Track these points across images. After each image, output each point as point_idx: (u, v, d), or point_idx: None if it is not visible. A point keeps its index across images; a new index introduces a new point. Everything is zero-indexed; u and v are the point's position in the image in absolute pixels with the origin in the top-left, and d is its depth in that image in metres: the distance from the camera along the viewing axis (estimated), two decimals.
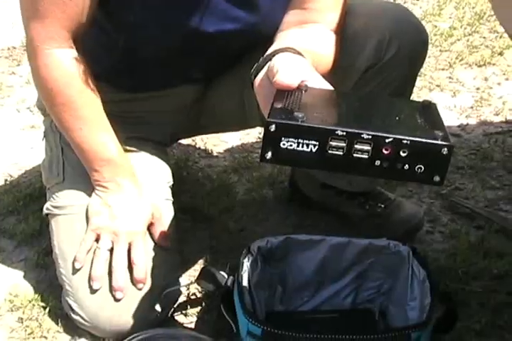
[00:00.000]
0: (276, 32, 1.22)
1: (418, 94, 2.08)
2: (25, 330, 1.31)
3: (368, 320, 1.26)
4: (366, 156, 0.80)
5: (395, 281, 1.23)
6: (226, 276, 1.20)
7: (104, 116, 1.27)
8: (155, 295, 1.26)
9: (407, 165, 0.80)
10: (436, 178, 0.80)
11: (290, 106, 0.84)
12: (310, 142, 0.79)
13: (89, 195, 1.32)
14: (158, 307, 1.27)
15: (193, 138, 1.90)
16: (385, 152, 0.79)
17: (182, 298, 1.37)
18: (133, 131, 1.39)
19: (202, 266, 1.47)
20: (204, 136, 1.92)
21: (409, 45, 1.27)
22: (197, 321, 1.32)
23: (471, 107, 2.06)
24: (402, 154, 0.79)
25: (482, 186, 1.72)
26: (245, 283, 1.13)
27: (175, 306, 1.32)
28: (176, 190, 1.45)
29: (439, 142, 0.79)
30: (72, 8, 1.19)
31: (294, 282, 1.25)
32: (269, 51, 1.07)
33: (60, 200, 1.35)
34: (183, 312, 1.33)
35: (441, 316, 1.12)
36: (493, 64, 2.27)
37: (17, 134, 1.97)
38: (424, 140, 0.79)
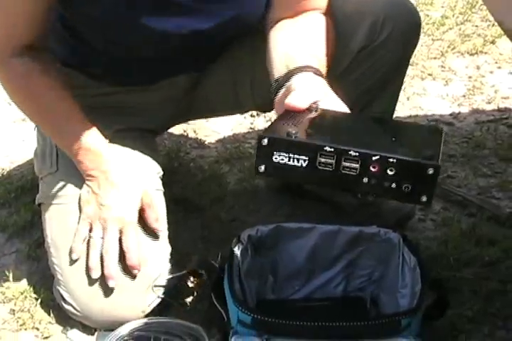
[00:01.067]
0: (265, 20, 1.23)
1: (410, 83, 2.08)
2: (17, 322, 1.31)
3: (360, 307, 1.26)
4: (354, 173, 0.81)
5: (385, 269, 1.23)
6: (217, 266, 1.19)
7: (77, 109, 1.28)
8: (147, 285, 1.26)
9: (394, 184, 0.80)
10: (423, 198, 0.80)
11: (288, 123, 0.86)
12: (300, 157, 0.81)
13: (83, 185, 1.32)
14: (150, 297, 1.27)
15: (185, 128, 1.90)
16: (373, 169, 0.80)
17: (174, 288, 1.37)
18: (124, 121, 1.39)
19: (194, 255, 1.47)
20: (195, 127, 1.92)
21: (403, 28, 1.28)
22: (189, 310, 1.32)
23: (464, 96, 2.06)
24: (390, 172, 0.80)
25: (474, 174, 1.72)
26: (235, 271, 1.13)
27: (166, 296, 1.32)
28: (167, 180, 1.45)
29: (425, 162, 0.79)
30: (20, 20, 1.20)
31: (285, 270, 1.25)
32: (284, 67, 1.08)
33: (53, 190, 1.35)
34: (175, 301, 1.32)
35: (433, 303, 1.12)
36: (485, 52, 2.27)
37: (8, 127, 1.96)
38: (410, 159, 0.79)
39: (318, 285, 1.27)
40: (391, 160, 0.79)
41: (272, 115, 1.93)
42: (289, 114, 0.91)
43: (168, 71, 1.34)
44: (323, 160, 0.81)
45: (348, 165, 0.81)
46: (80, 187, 1.31)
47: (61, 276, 1.27)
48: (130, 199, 1.28)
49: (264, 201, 1.63)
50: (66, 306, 1.27)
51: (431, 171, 0.78)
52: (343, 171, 0.81)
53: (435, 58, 2.24)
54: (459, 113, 1.98)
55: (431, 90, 2.09)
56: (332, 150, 0.80)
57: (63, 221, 1.30)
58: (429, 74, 2.16)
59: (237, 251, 1.16)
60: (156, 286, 1.25)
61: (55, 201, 1.33)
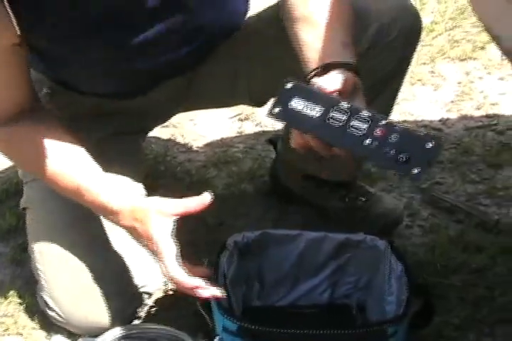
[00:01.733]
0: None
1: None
2: (1, 327, 1.30)
3: (346, 314, 1.25)
4: (359, 134, 0.85)
5: (372, 276, 1.22)
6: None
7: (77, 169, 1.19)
8: (131, 291, 1.25)
9: (392, 151, 0.84)
10: (415, 170, 0.83)
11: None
12: (316, 106, 0.86)
13: None
14: (134, 304, 1.26)
15: (172, 132, 1.89)
16: (378, 133, 0.84)
17: (159, 294, 1.36)
18: (109, 127, 1.38)
19: (181, 260, 1.46)
20: (183, 131, 1.91)
21: (408, 31, 1.30)
22: (174, 317, 1.31)
23: (452, 101, 2.05)
24: (392, 139, 0.84)
25: (462, 180, 1.72)
26: (221, 279, 1.12)
27: (152, 302, 1.31)
28: (154, 184, 1.44)
29: (427, 135, 0.84)
30: None
31: (271, 277, 1.24)
32: (321, 56, 1.07)
33: (36, 195, 1.34)
34: (161, 307, 1.32)
35: (419, 311, 1.11)
36: (475, 58, 2.26)
37: None
38: (414, 131, 0.85)
39: (304, 291, 1.26)
40: (397, 128, 0.84)
41: (262, 119, 1.94)
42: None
43: (156, 81, 1.33)
44: (335, 114, 0.85)
45: (357, 124, 0.85)
46: None
47: (45, 282, 1.26)
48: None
49: (252, 205, 1.63)
50: (50, 312, 1.26)
51: (430, 145, 0.82)
52: (349, 130, 0.85)
53: (425, 64, 2.23)
54: (448, 119, 1.97)
55: (420, 96, 2.08)
56: (347, 106, 0.85)
57: (48, 226, 1.29)
58: (419, 80, 2.15)
59: (222, 257, 1.15)
60: (140, 293, 1.24)
61: (39, 205, 1.32)
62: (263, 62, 1.36)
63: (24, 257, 1.44)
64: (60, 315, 1.25)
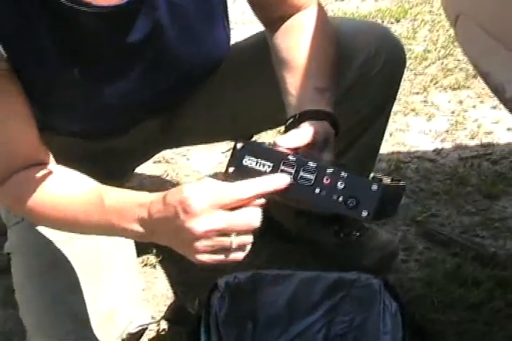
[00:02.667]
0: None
1: (393, 119, 2.07)
2: None
3: None
4: (309, 184, 0.89)
5: (367, 315, 1.20)
6: (193, 313, 1.16)
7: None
8: (119, 331, 1.22)
9: (341, 197, 0.88)
10: (364, 213, 0.87)
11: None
12: (266, 163, 0.90)
13: (49, 233, 1.28)
14: None
15: (165, 168, 1.88)
16: (326, 181, 0.89)
17: (152, 334, 1.34)
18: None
19: (173, 299, 1.45)
20: (176, 166, 1.90)
21: (392, 62, 1.29)
22: None
23: (447, 131, 2.05)
24: (339, 186, 0.88)
25: (458, 212, 1.71)
26: (212, 320, 1.10)
27: None
28: None
29: (370, 180, 0.88)
30: None
31: (264, 317, 1.22)
32: (297, 104, 1.08)
33: (19, 240, 1.31)
34: None
35: None
36: (468, 87, 2.26)
37: None
38: (358, 176, 0.89)
39: (298, 331, 1.24)
40: (342, 174, 0.88)
41: None
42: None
43: (132, 122, 1.32)
44: (284, 168, 0.90)
45: (305, 175, 0.90)
46: (47, 235, 1.27)
47: (29, 331, 1.23)
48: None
49: None
50: None
51: (375, 187, 0.87)
52: (300, 181, 0.90)
53: (417, 93, 2.24)
54: (442, 149, 1.97)
55: (414, 126, 2.08)
56: (294, 159, 0.90)
57: (28, 274, 1.26)
58: (412, 110, 2.15)
59: (214, 298, 1.13)
60: (129, 334, 1.22)
61: (21, 251, 1.29)
62: (245, 97, 1.35)
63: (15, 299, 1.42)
64: None
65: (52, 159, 1.13)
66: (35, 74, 1.10)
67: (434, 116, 2.12)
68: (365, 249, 1.53)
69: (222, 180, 0.90)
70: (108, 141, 1.34)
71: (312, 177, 0.89)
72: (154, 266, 1.55)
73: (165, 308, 1.34)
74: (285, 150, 0.94)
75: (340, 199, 0.88)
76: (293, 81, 1.12)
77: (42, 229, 1.28)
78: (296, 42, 1.16)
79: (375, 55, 1.26)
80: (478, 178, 1.83)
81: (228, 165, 0.92)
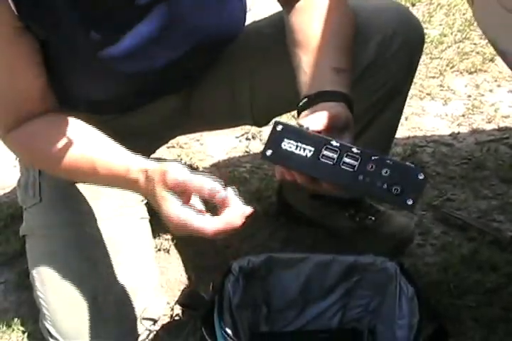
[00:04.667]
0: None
1: (409, 103, 2.03)
2: None
3: (357, 340, 1.22)
4: (352, 170, 0.89)
5: (382, 299, 1.19)
6: (207, 297, 1.15)
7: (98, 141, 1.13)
8: (134, 318, 1.22)
9: (385, 184, 0.88)
10: (409, 201, 0.87)
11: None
12: (307, 147, 0.89)
13: (67, 216, 1.28)
14: (138, 330, 1.23)
15: (179, 153, 1.86)
16: (369, 168, 0.88)
17: (166, 319, 1.33)
18: None
19: (186, 284, 1.44)
20: (189, 151, 1.88)
21: (410, 43, 1.27)
22: None
23: (463, 115, 2.02)
24: (384, 173, 0.88)
25: (475, 196, 1.68)
26: (226, 305, 1.09)
27: (157, 328, 1.28)
28: None
29: (418, 168, 0.88)
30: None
31: (278, 301, 1.21)
32: (313, 84, 1.06)
33: (36, 221, 1.32)
34: (166, 334, 1.29)
35: (431, 334, 1.08)
36: (485, 71, 2.23)
37: None
38: (404, 163, 0.89)
39: (313, 316, 1.23)
40: (388, 161, 0.88)
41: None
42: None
43: (151, 96, 1.30)
44: (326, 153, 0.89)
45: (349, 161, 0.88)
46: (64, 218, 1.27)
47: (47, 311, 1.24)
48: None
49: (259, 227, 1.59)
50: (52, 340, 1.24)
51: (421, 176, 0.87)
52: (342, 166, 0.88)
53: (434, 77, 2.21)
54: (459, 133, 1.94)
55: (430, 110, 2.05)
56: (338, 144, 0.88)
57: (47, 254, 1.27)
58: (428, 94, 2.12)
59: (227, 283, 1.12)
60: (144, 319, 1.21)
61: (39, 233, 1.30)
62: (265, 77, 1.33)
63: (29, 283, 1.40)
64: None
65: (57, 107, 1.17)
66: (47, 33, 1.09)
67: (450, 100, 2.10)
68: (381, 234, 1.51)
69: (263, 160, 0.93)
70: (125, 118, 1.32)
71: (356, 163, 0.88)
72: (168, 251, 1.54)
73: (179, 293, 1.33)
74: (325, 136, 0.91)
75: (385, 186, 0.88)
76: (308, 60, 1.10)
77: (59, 210, 1.28)
78: (312, 21, 1.14)
79: (393, 35, 1.25)
80: (495, 162, 1.80)
81: (266, 148, 0.91)
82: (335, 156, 0.89)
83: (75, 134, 1.10)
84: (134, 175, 1.03)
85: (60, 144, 1.09)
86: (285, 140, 0.89)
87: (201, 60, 1.26)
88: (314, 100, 1.04)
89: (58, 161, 1.10)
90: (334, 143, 0.89)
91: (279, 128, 0.90)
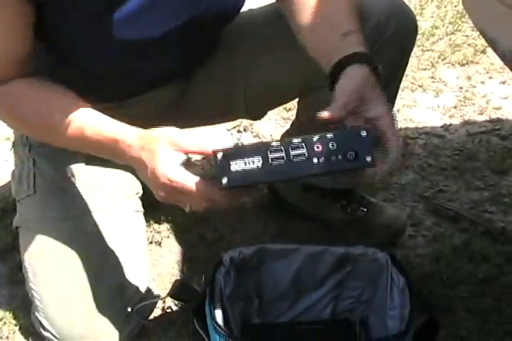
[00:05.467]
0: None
1: (400, 95, 2.03)
2: None
3: (349, 331, 1.22)
4: (304, 158, 0.91)
5: (374, 290, 1.19)
6: (198, 289, 1.15)
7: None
8: (127, 309, 1.22)
9: (340, 156, 0.90)
10: (368, 158, 0.90)
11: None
12: (254, 159, 0.90)
13: (60, 208, 1.28)
14: (130, 323, 1.23)
15: None
16: (318, 149, 0.90)
17: (158, 312, 1.33)
18: None
19: (178, 277, 1.44)
20: None
21: (404, 29, 1.28)
22: (172, 336, 1.28)
23: (455, 107, 2.02)
24: (332, 147, 0.90)
25: (466, 187, 1.68)
26: (218, 296, 1.08)
27: (150, 320, 1.28)
28: (151, 200, 1.41)
29: (357, 128, 0.92)
30: None
31: (270, 293, 1.21)
32: (334, 50, 1.04)
33: (30, 213, 1.31)
34: (159, 326, 1.28)
35: (423, 325, 1.07)
36: (476, 62, 2.23)
37: None
38: (343, 130, 0.93)
39: (305, 307, 1.22)
40: (329, 135, 0.90)
41: (260, 131, 1.91)
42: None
43: (149, 83, 1.29)
44: (273, 155, 0.90)
45: (297, 152, 0.90)
46: (58, 210, 1.27)
47: (39, 302, 1.24)
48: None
49: (251, 219, 1.59)
50: (45, 333, 1.24)
51: (364, 133, 0.90)
52: (295, 159, 0.90)
53: (425, 69, 2.21)
54: (451, 124, 1.94)
55: (421, 102, 2.05)
56: (278, 143, 0.91)
57: (41, 246, 1.26)
58: (420, 86, 2.12)
59: (219, 274, 1.12)
60: (136, 311, 1.21)
61: (32, 225, 1.29)
62: (260, 71, 1.33)
63: (21, 276, 1.40)
64: (55, 336, 1.22)
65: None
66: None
67: (442, 92, 2.10)
68: (373, 225, 1.51)
69: (219, 192, 0.93)
70: (120, 111, 1.31)
71: (304, 151, 0.90)
72: (160, 244, 1.54)
73: (170, 285, 1.32)
74: (262, 142, 0.93)
75: (340, 157, 0.90)
76: (319, 37, 1.10)
77: (52, 202, 1.27)
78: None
79: (386, 22, 1.25)
80: (487, 154, 1.80)
81: (219, 178, 0.90)
82: (282, 154, 0.91)
83: (58, 98, 1.11)
84: (126, 136, 1.04)
85: (47, 106, 1.11)
86: (231, 163, 0.90)
87: (199, 37, 1.24)
88: (337, 70, 1.02)
89: (44, 122, 1.12)
90: (274, 143, 0.91)
91: (220, 155, 0.90)
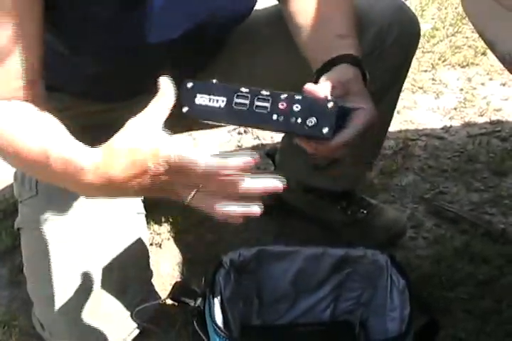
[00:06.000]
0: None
1: (401, 97, 1.99)
2: None
3: (348, 332, 1.22)
4: (265, 111, 0.92)
5: (374, 291, 1.19)
6: (198, 291, 1.15)
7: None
8: (128, 311, 1.22)
9: (299, 119, 0.91)
10: (325, 130, 0.91)
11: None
12: (219, 98, 0.92)
13: (63, 209, 1.28)
14: (130, 325, 1.23)
15: None
16: (281, 107, 0.91)
17: (158, 313, 1.33)
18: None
19: (178, 279, 1.44)
20: None
21: (406, 35, 1.28)
22: (173, 336, 1.29)
23: (455, 108, 2.02)
24: (295, 109, 0.91)
25: (467, 189, 1.69)
26: (217, 298, 1.08)
27: (151, 321, 1.28)
28: (152, 201, 1.41)
29: (325, 98, 0.93)
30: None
31: (270, 295, 1.21)
32: (323, 52, 1.05)
33: (32, 215, 1.31)
34: (159, 327, 1.29)
35: (423, 326, 1.07)
36: (477, 64, 2.23)
37: None
38: (313, 96, 0.93)
39: (305, 309, 1.23)
40: (297, 97, 0.91)
41: (260, 133, 1.91)
42: None
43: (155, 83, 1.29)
44: (238, 100, 0.92)
45: (260, 104, 0.92)
46: (60, 211, 1.27)
47: (39, 304, 1.23)
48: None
49: (250, 221, 1.58)
50: (45, 334, 1.24)
51: (330, 104, 0.91)
52: (256, 110, 0.92)
53: (426, 71, 2.21)
54: (451, 126, 1.94)
55: (422, 103, 2.05)
56: (247, 90, 0.92)
57: (41, 247, 1.26)
58: (420, 88, 2.12)
59: (218, 276, 1.12)
60: (136, 313, 1.21)
61: (34, 226, 1.29)
62: (263, 74, 1.33)
63: (22, 278, 1.40)
64: (55, 337, 1.22)
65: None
66: None
67: (442, 93, 2.10)
68: (373, 227, 1.51)
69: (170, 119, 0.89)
70: (127, 107, 1.31)
71: (267, 104, 0.91)
72: (160, 246, 1.54)
73: (170, 287, 1.32)
74: (235, 85, 0.94)
75: (299, 120, 0.91)
76: (314, 37, 1.10)
77: (54, 204, 1.27)
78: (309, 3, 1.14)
79: (389, 28, 1.25)
80: (487, 155, 1.80)
81: (182, 105, 0.92)
82: (247, 102, 0.92)
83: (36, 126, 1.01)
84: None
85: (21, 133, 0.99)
86: (197, 95, 0.92)
87: (210, 38, 1.23)
88: (325, 68, 1.03)
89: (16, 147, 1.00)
90: (243, 89, 0.92)
91: (190, 85, 0.92)
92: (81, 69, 1.23)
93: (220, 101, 0.92)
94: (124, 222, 1.31)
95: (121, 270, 1.24)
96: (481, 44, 2.29)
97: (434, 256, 1.47)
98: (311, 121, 0.91)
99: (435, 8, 2.64)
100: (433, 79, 2.17)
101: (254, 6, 1.25)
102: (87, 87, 1.28)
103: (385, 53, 1.26)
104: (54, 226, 1.26)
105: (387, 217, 1.53)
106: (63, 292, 1.22)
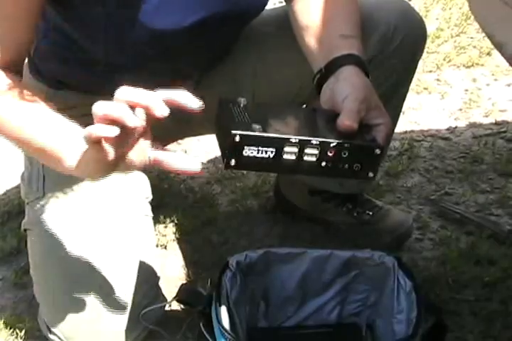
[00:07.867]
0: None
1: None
2: None
3: (355, 335, 1.21)
4: (314, 159, 0.91)
5: (380, 293, 1.18)
6: (204, 293, 1.15)
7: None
8: (135, 314, 1.21)
9: (347, 165, 0.92)
10: (370, 174, 0.92)
11: (246, 120, 0.95)
12: (268, 149, 0.90)
13: (70, 210, 1.28)
14: (138, 327, 1.22)
15: (175, 149, 1.85)
16: (330, 154, 0.91)
17: (164, 316, 1.33)
18: None
19: (184, 281, 1.44)
20: (186, 147, 1.88)
21: (412, 38, 1.28)
22: (180, 338, 1.28)
23: (460, 109, 2.02)
24: (344, 155, 0.91)
25: (472, 190, 1.68)
26: (224, 300, 1.08)
27: (156, 325, 1.28)
28: (157, 203, 1.41)
29: (373, 144, 0.93)
30: None
31: (276, 297, 1.21)
32: (325, 52, 1.05)
33: (39, 216, 1.31)
34: (164, 330, 1.28)
35: (430, 329, 1.07)
36: (482, 64, 2.23)
37: None
38: (361, 143, 0.92)
39: (311, 311, 1.22)
40: (346, 145, 0.91)
41: None
42: (246, 108, 0.98)
43: (161, 83, 1.29)
44: (288, 150, 0.90)
45: (310, 152, 0.91)
46: (67, 213, 1.27)
47: (46, 306, 1.23)
48: None
49: (257, 222, 1.59)
50: (52, 337, 1.23)
51: (378, 151, 0.91)
52: (305, 158, 0.91)
53: (430, 72, 2.21)
54: (456, 127, 1.94)
55: (427, 104, 2.05)
56: (297, 141, 0.90)
57: (48, 248, 1.26)
58: (425, 88, 2.12)
59: (225, 278, 1.12)
60: (143, 316, 1.21)
61: (40, 227, 1.29)
62: (267, 76, 1.33)
63: (27, 280, 1.42)
64: (61, 339, 1.22)
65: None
66: None
67: (447, 94, 2.09)
68: (379, 229, 1.51)
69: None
70: None
71: (316, 152, 0.91)
72: (165, 248, 1.54)
73: (176, 289, 1.32)
74: (283, 135, 0.92)
75: (346, 166, 0.92)
76: (317, 38, 1.10)
77: (61, 205, 1.27)
78: (314, 5, 1.13)
79: (395, 30, 1.25)
80: (493, 156, 1.80)
81: (228, 158, 0.90)
82: (296, 150, 0.91)
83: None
84: None
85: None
86: (245, 147, 0.89)
87: (223, 31, 1.22)
88: (327, 71, 1.02)
89: None
90: (293, 139, 0.90)
91: (237, 138, 0.89)
92: (93, 60, 1.21)
93: (268, 152, 0.90)
94: (131, 224, 1.31)
95: (128, 273, 1.24)
96: (486, 44, 2.29)
97: (440, 258, 1.47)
98: (358, 166, 0.91)
99: (439, 9, 2.64)
100: (438, 80, 2.17)
101: (266, 3, 1.24)
102: (99, 81, 1.27)
103: (392, 55, 1.26)
104: (61, 228, 1.26)
105: (393, 218, 1.52)
106: (70, 294, 1.22)
